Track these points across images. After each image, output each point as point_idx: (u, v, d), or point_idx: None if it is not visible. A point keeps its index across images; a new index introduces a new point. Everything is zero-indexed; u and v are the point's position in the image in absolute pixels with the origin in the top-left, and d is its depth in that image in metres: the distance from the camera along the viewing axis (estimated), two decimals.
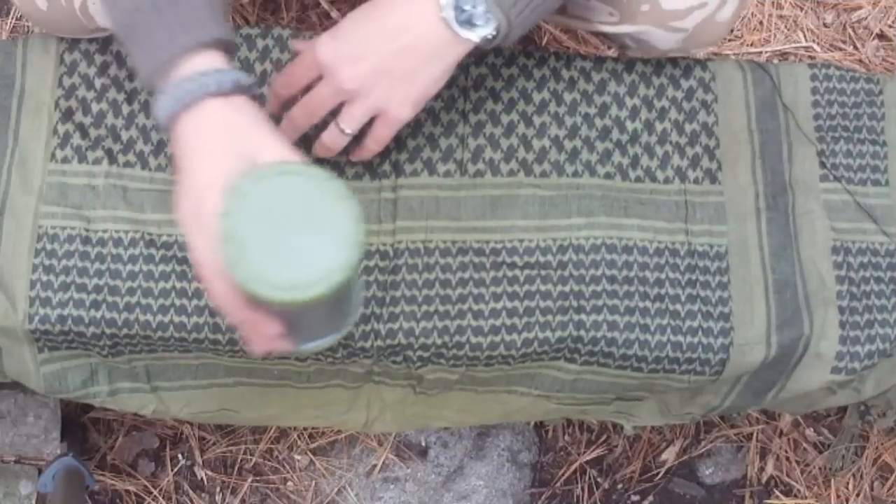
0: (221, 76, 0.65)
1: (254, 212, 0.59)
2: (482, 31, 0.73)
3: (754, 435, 1.25)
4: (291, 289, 0.58)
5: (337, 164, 0.86)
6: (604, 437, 1.25)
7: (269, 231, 0.59)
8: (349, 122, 0.76)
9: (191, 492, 1.20)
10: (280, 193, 0.59)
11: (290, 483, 1.21)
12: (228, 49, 0.69)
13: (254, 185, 0.59)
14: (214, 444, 1.22)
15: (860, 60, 1.37)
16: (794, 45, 1.37)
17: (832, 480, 1.24)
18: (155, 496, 1.19)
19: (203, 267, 0.63)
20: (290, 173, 0.60)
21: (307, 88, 0.77)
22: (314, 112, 0.77)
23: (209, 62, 0.66)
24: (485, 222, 0.85)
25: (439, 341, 0.82)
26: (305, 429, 1.22)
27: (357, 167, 0.86)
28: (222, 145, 0.64)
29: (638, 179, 0.88)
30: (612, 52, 0.99)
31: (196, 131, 0.65)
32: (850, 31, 1.38)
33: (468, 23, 0.72)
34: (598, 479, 1.24)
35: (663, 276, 0.85)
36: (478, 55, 0.85)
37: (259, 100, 0.69)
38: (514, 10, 0.72)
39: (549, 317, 0.83)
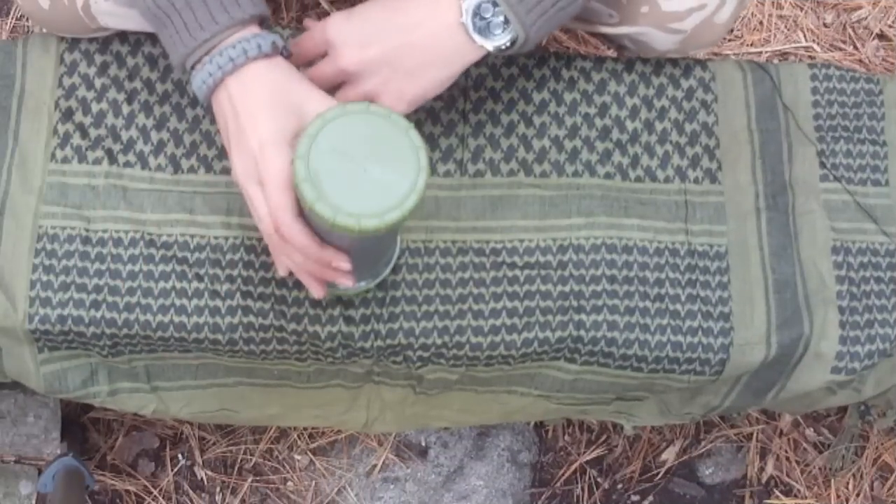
0: (261, 40, 0.68)
1: (326, 152, 0.63)
2: (498, 41, 0.72)
3: (754, 435, 1.25)
4: (372, 216, 0.63)
5: None
6: (604, 437, 1.25)
7: (342, 167, 0.63)
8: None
9: (191, 492, 1.20)
10: (346, 132, 0.63)
11: (290, 483, 1.21)
12: (263, 21, 0.71)
13: (321, 128, 0.63)
14: (214, 444, 1.22)
15: (860, 60, 1.37)
16: (794, 45, 1.37)
17: (832, 480, 1.24)
18: (155, 496, 1.19)
19: (269, 220, 0.68)
20: (353, 113, 0.64)
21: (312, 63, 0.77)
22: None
23: (247, 32, 0.69)
24: (485, 222, 0.85)
25: (439, 341, 0.82)
26: (305, 429, 1.22)
27: None
28: (270, 101, 0.68)
29: (638, 179, 0.88)
30: (612, 53, 0.99)
31: (242, 93, 0.68)
32: (850, 31, 1.38)
33: (486, 31, 0.72)
34: (598, 479, 1.24)
35: (663, 275, 0.85)
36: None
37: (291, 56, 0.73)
38: (531, 21, 0.72)
39: (549, 317, 0.83)
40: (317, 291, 0.74)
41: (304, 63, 0.77)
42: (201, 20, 0.68)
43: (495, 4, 0.71)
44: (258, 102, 0.68)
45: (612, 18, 0.85)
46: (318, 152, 0.63)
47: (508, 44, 0.73)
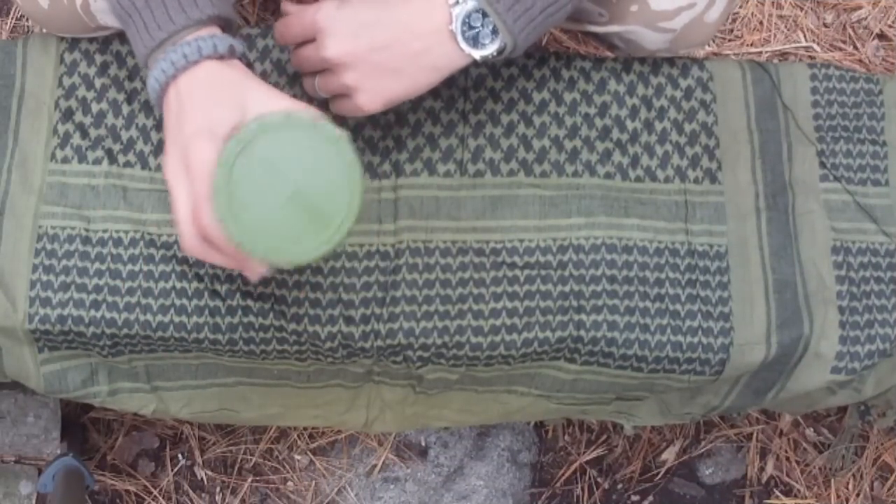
0: (217, 41, 0.67)
1: (250, 165, 0.58)
2: (486, 51, 0.72)
3: (754, 435, 1.25)
4: (277, 255, 0.59)
5: None
6: (604, 437, 1.25)
7: (263, 188, 0.58)
8: (321, 89, 0.76)
9: (191, 492, 1.20)
10: (277, 147, 0.59)
11: (290, 483, 1.21)
12: (228, 25, 0.70)
13: (251, 137, 0.58)
14: (214, 444, 1.22)
15: (860, 60, 1.37)
16: (794, 45, 1.37)
17: (832, 480, 1.24)
18: (155, 496, 1.19)
19: (188, 217, 0.64)
20: (292, 126, 0.59)
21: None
22: (299, 67, 0.78)
23: (205, 32, 0.68)
24: (485, 222, 0.85)
25: (439, 341, 0.82)
26: (305, 429, 1.22)
27: None
28: (216, 96, 0.65)
29: (638, 179, 0.88)
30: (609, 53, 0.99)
31: (189, 89, 0.66)
32: (850, 31, 1.38)
33: (474, 40, 0.72)
34: (598, 479, 1.24)
35: (663, 275, 0.85)
36: None
37: (253, 67, 0.73)
38: (520, 28, 0.72)
39: (549, 317, 0.83)
40: (252, 276, 0.69)
41: (287, 44, 0.78)
42: (159, 20, 0.67)
43: (485, 14, 0.71)
44: (203, 96, 0.66)
45: (601, 17, 0.85)
46: (245, 161, 0.58)
47: (495, 53, 0.72)
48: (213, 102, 0.65)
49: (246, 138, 0.59)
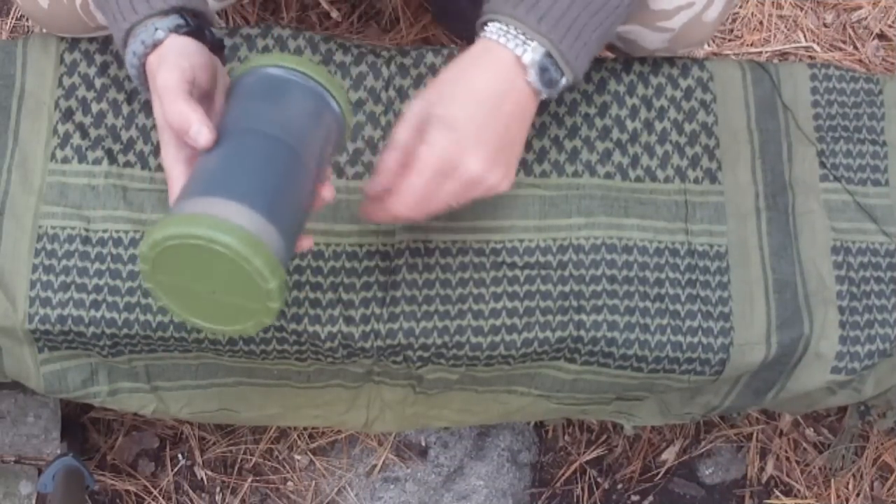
0: (181, 21, 0.70)
1: (170, 262, 0.61)
2: (556, 89, 0.72)
3: (754, 435, 1.25)
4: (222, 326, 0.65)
5: (337, 164, 0.86)
6: (604, 437, 1.25)
7: (187, 286, 0.63)
8: (456, 205, 0.73)
9: (191, 492, 1.20)
10: (193, 254, 0.60)
11: (290, 483, 1.21)
12: (198, 14, 0.72)
13: (166, 239, 0.60)
14: (214, 444, 1.22)
15: (860, 60, 1.37)
16: (794, 45, 1.37)
17: (832, 480, 1.24)
18: (155, 496, 1.19)
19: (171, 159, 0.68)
20: (213, 239, 0.59)
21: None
22: (421, 203, 0.72)
23: (168, 20, 0.70)
24: (485, 222, 0.85)
25: (439, 341, 0.82)
26: (305, 429, 1.22)
27: (357, 167, 0.86)
28: (177, 58, 0.68)
29: (638, 179, 0.88)
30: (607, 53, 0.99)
31: (156, 58, 0.69)
32: (850, 31, 1.39)
33: (548, 83, 0.71)
34: (598, 479, 1.24)
35: (663, 275, 0.85)
36: None
37: (220, 52, 0.74)
38: (581, 65, 0.72)
39: (549, 317, 0.83)
40: None
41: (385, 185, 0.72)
42: (123, 10, 0.70)
43: (550, 56, 0.70)
44: (170, 60, 0.68)
45: None
46: (163, 260, 0.61)
47: (560, 90, 0.73)
48: (174, 59, 0.68)
49: (158, 239, 0.60)
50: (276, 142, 0.65)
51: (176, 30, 0.69)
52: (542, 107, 0.86)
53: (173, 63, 0.67)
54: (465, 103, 0.69)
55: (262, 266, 0.59)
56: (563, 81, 0.72)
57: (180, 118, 0.65)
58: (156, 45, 0.69)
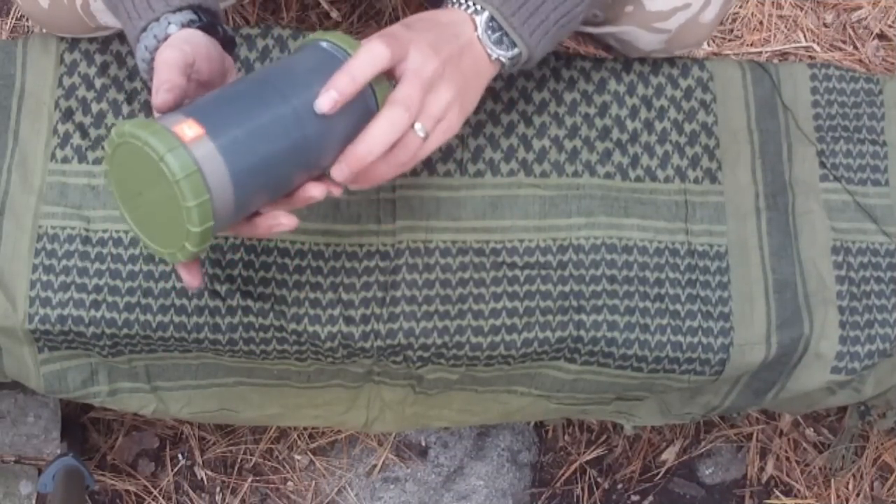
0: (194, 16, 0.69)
1: (119, 169, 0.63)
2: (507, 54, 0.71)
3: (754, 435, 1.25)
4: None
5: None
6: (604, 437, 1.25)
7: (132, 195, 0.64)
8: (425, 122, 0.67)
9: (191, 492, 1.20)
10: (133, 160, 0.61)
11: (290, 483, 1.21)
12: (211, 13, 0.71)
13: (113, 150, 0.62)
14: (214, 444, 1.22)
15: (860, 60, 1.37)
16: (794, 45, 1.37)
17: (832, 480, 1.24)
18: (155, 496, 1.19)
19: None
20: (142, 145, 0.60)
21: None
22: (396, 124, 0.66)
23: (186, 14, 0.70)
24: (485, 222, 0.85)
25: (439, 341, 0.82)
26: (305, 429, 1.22)
27: None
28: (178, 41, 0.68)
29: (638, 179, 0.88)
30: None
31: (164, 44, 0.69)
32: (850, 31, 1.38)
33: (496, 45, 0.71)
34: (598, 479, 1.24)
35: (663, 275, 0.85)
36: None
37: (231, 49, 0.73)
38: (535, 42, 0.71)
39: (549, 317, 0.83)
40: (191, 280, 0.69)
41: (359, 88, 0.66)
42: (139, 8, 0.70)
43: (499, 27, 0.70)
44: (173, 41, 0.68)
45: (596, 18, 0.85)
46: (118, 159, 0.62)
47: (510, 59, 0.71)
48: (176, 45, 0.67)
49: (108, 152, 0.62)
50: (278, 99, 0.63)
51: (188, 25, 0.69)
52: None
53: (176, 46, 0.67)
54: (426, 20, 0.69)
55: (183, 182, 0.59)
56: (516, 51, 0.71)
57: (157, 82, 0.65)
58: (167, 39, 0.69)
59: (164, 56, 0.67)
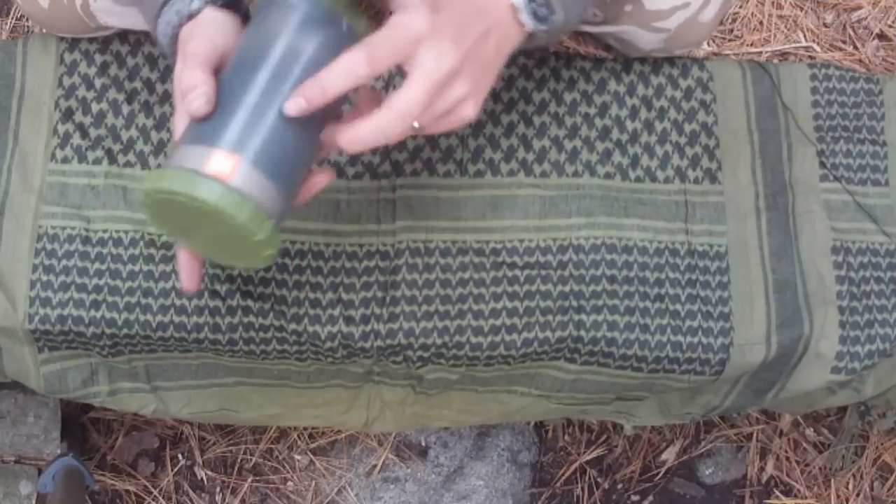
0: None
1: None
2: (544, 25, 0.66)
3: (754, 435, 1.25)
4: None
5: (337, 164, 0.86)
6: (604, 437, 1.25)
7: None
8: (428, 118, 0.64)
9: (191, 492, 1.20)
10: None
11: (290, 483, 1.21)
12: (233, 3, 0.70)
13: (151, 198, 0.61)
14: (214, 444, 1.22)
15: (860, 60, 1.37)
16: (794, 45, 1.37)
17: (832, 480, 1.24)
18: (155, 496, 1.19)
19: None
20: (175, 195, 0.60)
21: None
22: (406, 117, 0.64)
23: None
24: (485, 222, 0.85)
25: (439, 341, 0.82)
26: (305, 429, 1.22)
27: (357, 167, 0.86)
28: (210, 30, 0.66)
29: (638, 179, 0.88)
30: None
31: (189, 28, 0.67)
32: (850, 31, 1.38)
33: (534, 15, 0.66)
34: (598, 479, 1.24)
35: (663, 275, 0.85)
36: None
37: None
38: (569, 4, 0.67)
39: (549, 317, 0.83)
40: (188, 282, 0.70)
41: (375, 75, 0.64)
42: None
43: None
44: (202, 33, 0.66)
45: (596, 17, 0.85)
46: (159, 208, 0.62)
47: (547, 28, 0.67)
48: (208, 37, 0.66)
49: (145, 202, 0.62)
50: (287, 88, 0.62)
51: (213, 1, 0.67)
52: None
53: (208, 37, 0.65)
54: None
55: (246, 223, 0.59)
56: (554, 18, 0.67)
57: (190, 81, 0.63)
58: (191, 15, 0.67)
59: (194, 47, 0.65)
